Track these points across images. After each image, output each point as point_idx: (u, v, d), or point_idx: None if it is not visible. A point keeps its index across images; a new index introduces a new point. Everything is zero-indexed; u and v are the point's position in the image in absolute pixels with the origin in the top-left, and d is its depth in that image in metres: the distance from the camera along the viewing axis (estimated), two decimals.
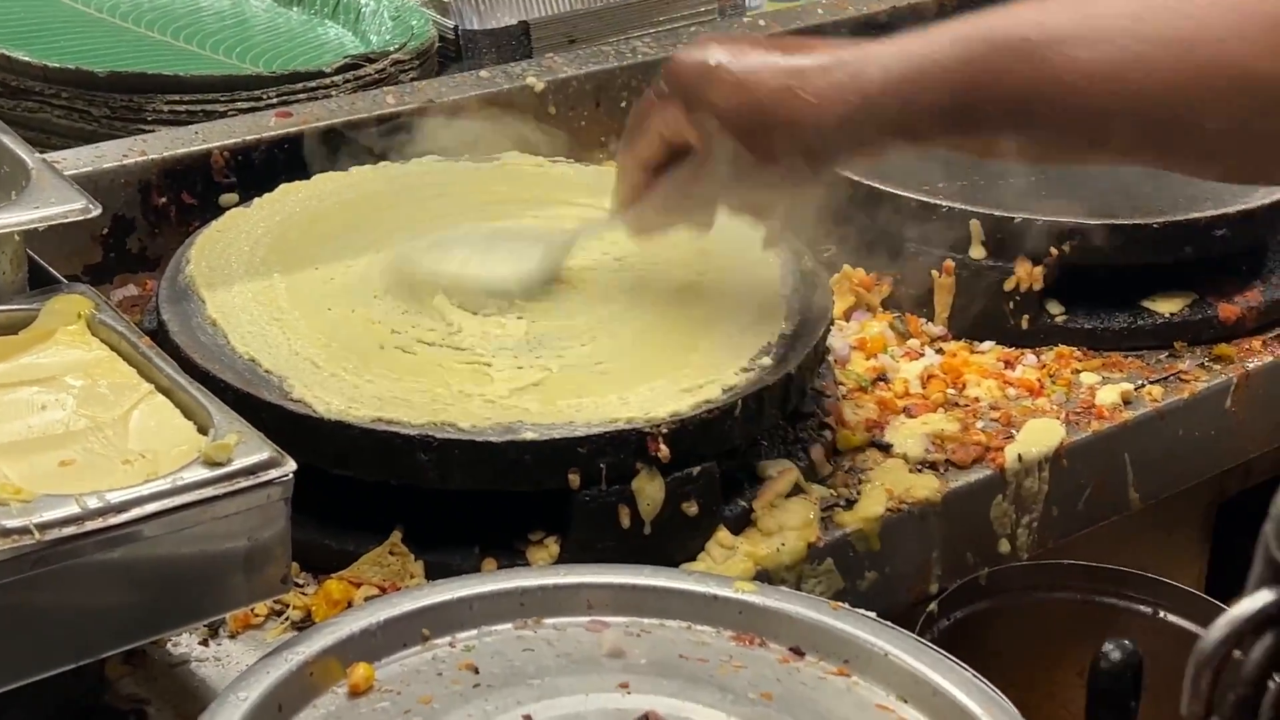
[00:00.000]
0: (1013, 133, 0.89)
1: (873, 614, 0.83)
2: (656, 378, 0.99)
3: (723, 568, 0.97)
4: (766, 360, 1.02)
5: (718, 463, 0.98)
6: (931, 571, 1.07)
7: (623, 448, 0.94)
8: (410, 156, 1.27)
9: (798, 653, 0.82)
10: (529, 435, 0.93)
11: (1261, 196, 1.23)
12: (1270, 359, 1.22)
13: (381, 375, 0.98)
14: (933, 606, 1.06)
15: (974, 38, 0.88)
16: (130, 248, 1.22)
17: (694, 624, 0.84)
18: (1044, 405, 1.15)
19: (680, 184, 1.01)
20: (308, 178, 1.21)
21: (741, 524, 1.00)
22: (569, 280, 1.10)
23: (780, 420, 1.04)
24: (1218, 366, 1.21)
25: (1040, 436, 1.11)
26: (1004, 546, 1.10)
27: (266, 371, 0.98)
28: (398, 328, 1.03)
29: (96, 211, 0.93)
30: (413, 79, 1.40)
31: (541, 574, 0.86)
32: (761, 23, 1.52)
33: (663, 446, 0.95)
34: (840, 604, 0.84)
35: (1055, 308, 1.22)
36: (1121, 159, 0.93)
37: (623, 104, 1.43)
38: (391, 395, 0.96)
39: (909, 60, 0.91)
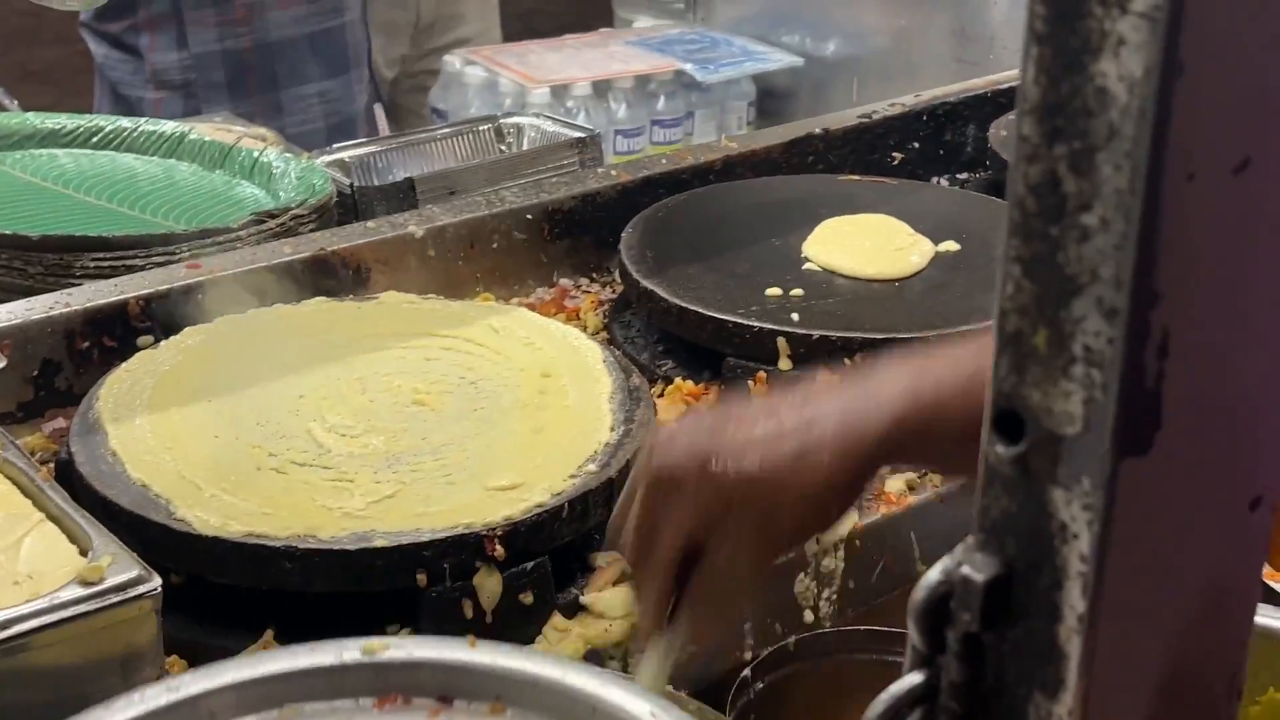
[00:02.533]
0: None
1: (514, 645, 0.71)
2: (495, 486, 0.99)
3: (558, 649, 0.96)
4: (592, 467, 1.01)
5: (550, 557, 0.97)
6: (745, 642, 1.06)
7: (463, 549, 0.94)
8: (302, 299, 1.26)
9: (446, 700, 0.69)
10: (380, 542, 0.92)
11: None
12: None
13: (255, 493, 0.97)
14: (746, 672, 1.05)
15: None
16: (59, 386, 1.20)
17: (333, 700, 0.69)
18: None
19: (705, 593, 0.81)
20: (212, 321, 1.21)
21: (574, 609, 0.99)
22: (427, 403, 1.10)
23: (606, 516, 1.03)
24: None
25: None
26: (808, 617, 1.10)
27: (156, 495, 0.97)
28: (274, 451, 1.02)
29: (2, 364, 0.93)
30: (311, 230, 1.39)
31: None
32: (614, 173, 1.53)
33: (498, 546, 0.94)
34: (478, 640, 0.71)
35: None
36: None
37: (494, 245, 1.43)
38: (263, 511, 0.95)
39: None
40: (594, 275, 1.50)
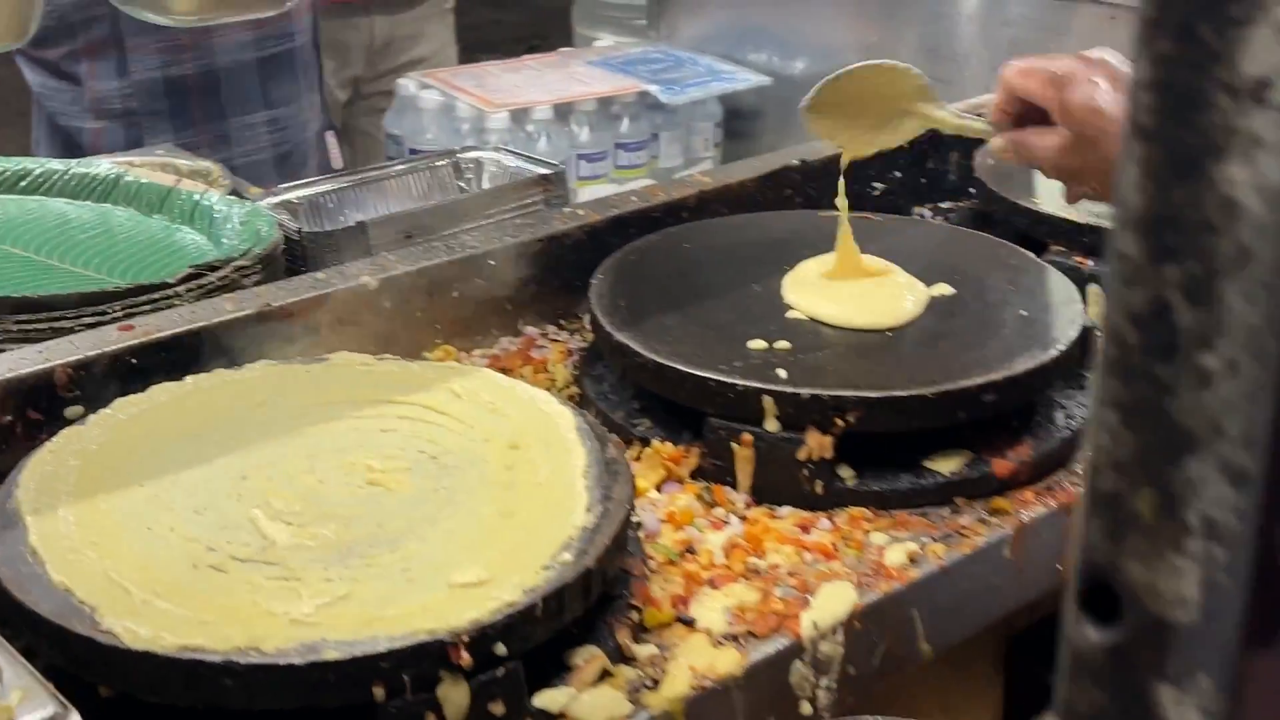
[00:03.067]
0: None
1: None
2: (460, 583, 0.89)
3: None
4: (567, 556, 0.92)
5: (523, 660, 0.88)
6: None
7: (425, 658, 0.84)
8: (246, 361, 1.16)
9: None
10: (332, 654, 0.82)
11: (1024, 363, 1.16)
12: (1043, 509, 1.14)
13: (191, 597, 0.87)
14: None
15: None
16: None
17: None
18: (837, 569, 1.06)
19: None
20: (146, 389, 1.10)
21: (551, 715, 0.90)
22: (383, 482, 1.00)
23: (584, 610, 0.94)
24: (996, 519, 1.13)
25: (833, 601, 1.02)
26: (805, 709, 1.01)
27: (80, 601, 0.86)
28: (213, 545, 0.92)
29: None
30: (256, 282, 1.29)
31: None
32: (581, 213, 1.44)
33: (464, 654, 0.84)
34: None
35: (846, 472, 1.13)
36: None
37: (454, 294, 1.34)
38: (200, 619, 0.85)
39: None
40: (561, 322, 1.42)
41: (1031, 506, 1.14)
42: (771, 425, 1.12)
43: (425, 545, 0.93)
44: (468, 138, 2.49)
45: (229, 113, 2.23)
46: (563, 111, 2.50)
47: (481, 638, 0.85)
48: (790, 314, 1.25)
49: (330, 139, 2.43)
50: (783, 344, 1.19)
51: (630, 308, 1.25)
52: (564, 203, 1.51)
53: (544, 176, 1.49)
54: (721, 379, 1.13)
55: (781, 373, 1.14)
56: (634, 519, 1.04)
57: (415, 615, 0.85)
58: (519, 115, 2.46)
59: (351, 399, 1.10)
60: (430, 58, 2.87)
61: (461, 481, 1.00)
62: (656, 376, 1.17)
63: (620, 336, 1.20)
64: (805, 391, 1.11)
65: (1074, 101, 1.14)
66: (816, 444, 1.11)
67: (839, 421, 1.11)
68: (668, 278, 1.31)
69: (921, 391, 1.12)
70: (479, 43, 3.49)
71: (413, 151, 2.56)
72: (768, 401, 1.11)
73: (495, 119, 2.44)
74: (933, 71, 2.51)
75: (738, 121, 2.71)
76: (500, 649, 0.86)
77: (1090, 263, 1.44)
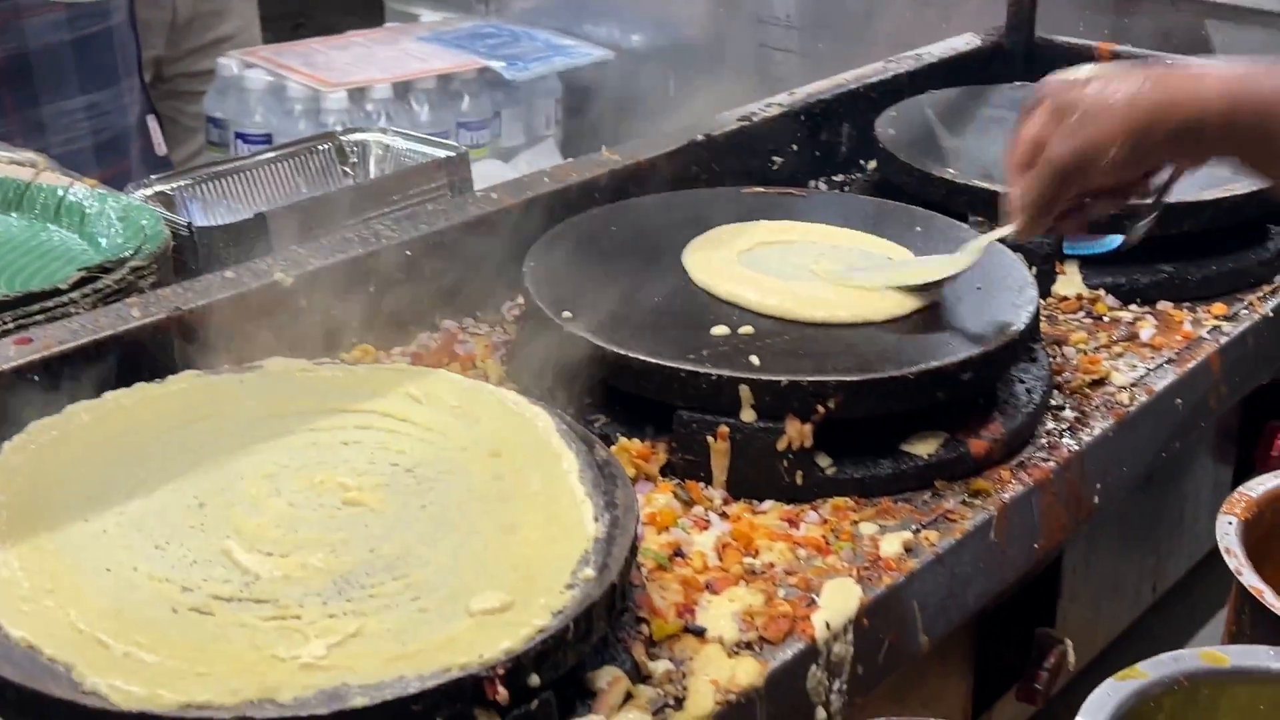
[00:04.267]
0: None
1: None
2: (482, 610, 0.81)
3: None
4: (588, 571, 0.85)
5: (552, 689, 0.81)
6: None
7: (459, 697, 0.76)
8: (163, 372, 1.05)
9: None
10: (359, 701, 0.74)
11: (996, 338, 1.14)
12: (1021, 488, 1.12)
13: (181, 646, 0.77)
14: None
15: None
16: None
17: None
18: (835, 564, 1.02)
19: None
20: (59, 410, 0.98)
21: None
22: (362, 501, 0.91)
23: (610, 631, 0.87)
24: (978, 501, 1.10)
25: (840, 599, 0.97)
26: (820, 715, 0.96)
27: (50, 659, 0.75)
28: (188, 583, 0.82)
29: None
30: (153, 284, 1.18)
31: None
32: (495, 196, 1.36)
33: (500, 689, 0.77)
34: None
35: (824, 461, 1.09)
36: None
37: (370, 289, 1.24)
38: (195, 671, 0.75)
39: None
40: (478, 314, 1.34)
41: (1009, 486, 1.12)
42: (748, 415, 1.07)
43: (430, 570, 0.84)
44: (300, 120, 2.36)
45: (43, 99, 2.06)
46: (401, 90, 2.40)
47: (516, 669, 0.78)
48: (732, 296, 1.20)
49: (152, 123, 2.27)
50: (747, 329, 1.14)
51: (572, 297, 1.18)
52: (469, 187, 1.43)
53: (447, 160, 1.40)
54: (693, 369, 1.08)
55: (754, 359, 1.09)
56: None
57: (441, 649, 0.78)
58: (356, 95, 2.35)
59: (299, 410, 1.00)
60: (236, 36, 2.71)
61: (448, 496, 0.92)
62: (618, 370, 1.10)
63: (572, 329, 1.13)
64: (784, 378, 1.06)
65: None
66: (796, 433, 1.07)
67: (820, 408, 1.06)
68: (607, 262, 1.25)
69: (903, 372, 1.08)
70: (282, 16, 3.33)
71: (240, 136, 2.42)
72: (744, 390, 1.06)
73: (333, 99, 2.32)
74: (766, 38, 2.51)
75: (577, 97, 2.65)
76: (534, 679, 0.79)
77: None
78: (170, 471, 0.92)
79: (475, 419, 1.00)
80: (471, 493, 0.92)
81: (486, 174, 2.07)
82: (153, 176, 1.42)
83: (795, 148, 1.66)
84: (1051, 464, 1.15)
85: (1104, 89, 1.06)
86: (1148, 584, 1.42)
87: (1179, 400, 1.28)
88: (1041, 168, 1.09)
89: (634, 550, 0.89)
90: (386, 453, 0.95)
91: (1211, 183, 1.41)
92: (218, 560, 0.84)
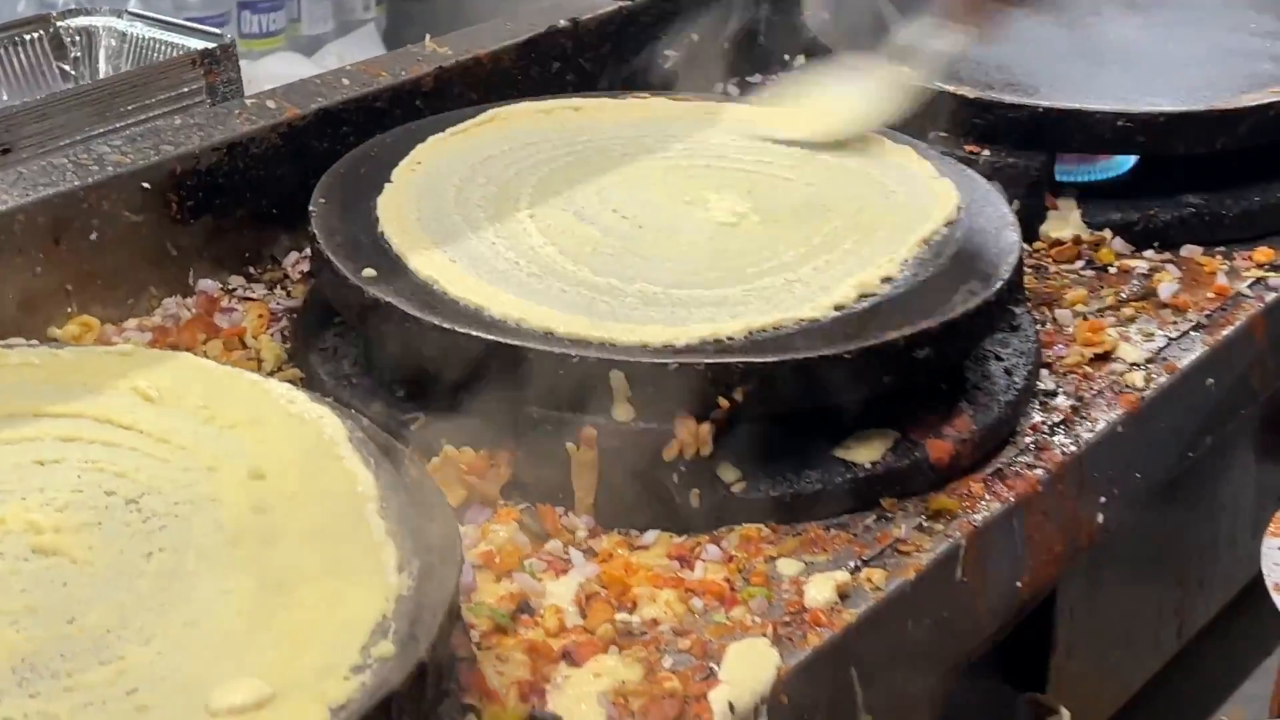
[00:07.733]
0: None
1: None
2: (224, 706, 0.75)
3: None
4: (385, 645, 0.80)
5: None
6: None
7: None
8: None
9: None
10: None
11: (960, 303, 1.10)
12: (998, 506, 1.09)
13: None
14: None
15: None
16: None
17: None
18: (742, 618, 0.98)
19: None
20: None
21: None
22: (59, 549, 0.85)
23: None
24: (939, 526, 1.07)
25: (751, 670, 0.94)
26: None
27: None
28: None
29: None
30: None
31: None
32: (271, 105, 1.31)
33: None
34: None
35: (730, 474, 1.06)
36: None
37: (91, 236, 1.19)
38: None
39: None
40: (251, 270, 1.33)
41: (982, 503, 1.11)
42: (622, 412, 1.04)
43: (154, 649, 0.79)
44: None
45: None
46: None
47: None
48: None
49: None
50: None
51: (376, 246, 1.14)
52: (237, 91, 1.39)
53: (205, 53, 1.36)
54: (545, 348, 1.03)
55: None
56: None
57: None
58: None
59: None
60: None
61: (186, 538, 0.87)
62: (440, 348, 1.05)
63: (377, 291, 1.07)
64: (672, 361, 1.03)
65: None
66: (690, 436, 1.04)
67: (722, 401, 1.03)
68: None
69: (836, 350, 1.06)
70: None
71: None
72: (617, 377, 1.03)
73: None
74: None
75: None
76: None
77: (986, 152, 1.41)
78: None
79: (231, 424, 0.97)
80: (221, 534, 0.88)
81: (277, 73, 2.06)
82: None
83: (695, 37, 1.62)
84: (1039, 471, 1.14)
85: None
86: (1170, 628, 1.42)
87: (1211, 380, 1.28)
88: None
89: (454, 610, 0.85)
90: (100, 475, 0.92)
91: (1253, 82, 1.39)
92: None
